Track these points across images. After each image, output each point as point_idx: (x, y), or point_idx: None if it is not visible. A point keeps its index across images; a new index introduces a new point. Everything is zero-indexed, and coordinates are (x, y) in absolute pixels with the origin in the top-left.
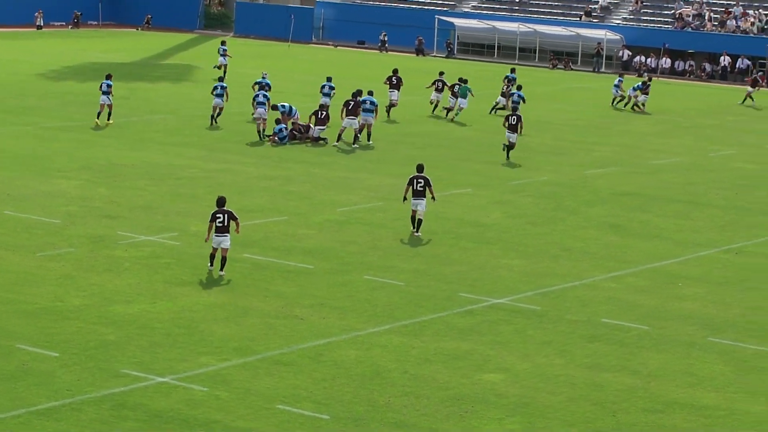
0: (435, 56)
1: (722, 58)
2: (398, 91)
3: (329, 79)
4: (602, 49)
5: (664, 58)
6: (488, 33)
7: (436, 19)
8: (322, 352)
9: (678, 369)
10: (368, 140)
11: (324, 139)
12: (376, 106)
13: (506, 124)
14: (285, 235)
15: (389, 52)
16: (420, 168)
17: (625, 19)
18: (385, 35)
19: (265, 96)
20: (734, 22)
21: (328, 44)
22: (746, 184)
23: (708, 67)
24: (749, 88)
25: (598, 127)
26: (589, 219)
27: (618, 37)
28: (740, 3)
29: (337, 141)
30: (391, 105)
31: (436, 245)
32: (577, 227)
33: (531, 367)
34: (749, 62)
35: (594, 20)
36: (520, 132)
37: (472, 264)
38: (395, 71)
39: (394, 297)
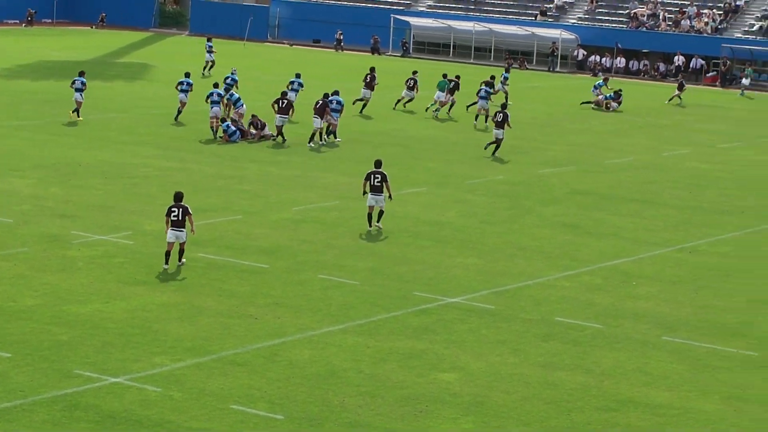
0: (391, 55)
1: (676, 57)
2: (371, 90)
3: (298, 76)
4: (557, 49)
5: (618, 58)
6: (444, 32)
7: (392, 18)
8: (276, 352)
9: (632, 367)
10: (335, 137)
11: (274, 137)
12: (343, 105)
13: (493, 121)
14: (240, 234)
15: (345, 51)
16: (378, 163)
17: (580, 18)
18: (340, 34)
19: (219, 95)
20: (688, 21)
21: (284, 43)
22: (699, 183)
23: (662, 66)
24: (676, 90)
25: (554, 126)
26: (545, 218)
27: (573, 37)
28: (694, 3)
29: (310, 142)
30: (364, 102)
31: (391, 244)
32: (533, 226)
33: (485, 366)
34: (703, 62)
35: (549, 20)
36: (507, 128)
37: (428, 263)
38: (372, 69)
39: (349, 296)
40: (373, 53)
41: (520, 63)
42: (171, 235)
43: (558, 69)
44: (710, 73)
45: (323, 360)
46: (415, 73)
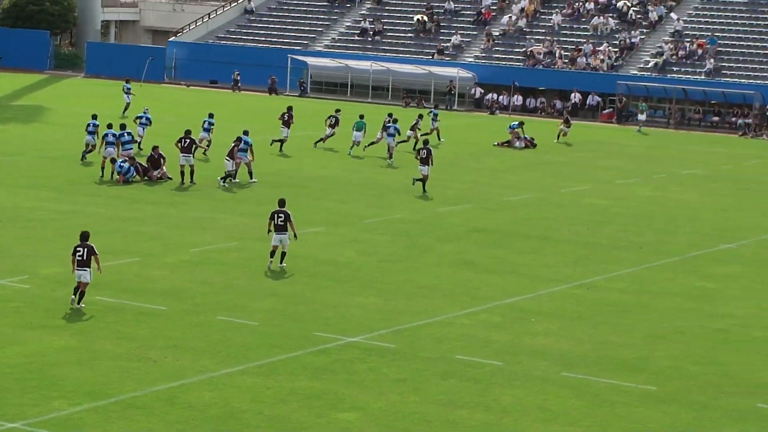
0: (288, 95)
1: (573, 94)
2: (288, 128)
3: (210, 116)
4: (454, 87)
5: (515, 96)
6: (341, 72)
7: (289, 59)
8: (175, 395)
9: (532, 404)
10: (251, 178)
11: (170, 177)
12: (250, 145)
13: (418, 158)
14: (137, 276)
15: (242, 92)
16: (281, 203)
17: (476, 57)
18: (238, 74)
19: (114, 135)
20: (584, 59)
21: (181, 84)
22: (598, 219)
23: (559, 103)
24: (562, 126)
25: (451, 165)
26: (444, 256)
27: (470, 75)
28: (590, 41)
29: (223, 181)
30: (282, 141)
31: (290, 284)
32: (432, 264)
33: (386, 405)
34: (599, 99)
35: (446, 58)
36: (431, 164)
37: (327, 303)
38: (289, 108)
39: (249, 337)
40: (270, 93)
41: (418, 101)
42: (77, 274)
43: (456, 107)
44: (606, 110)
45: (223, 402)
46: (337, 111)
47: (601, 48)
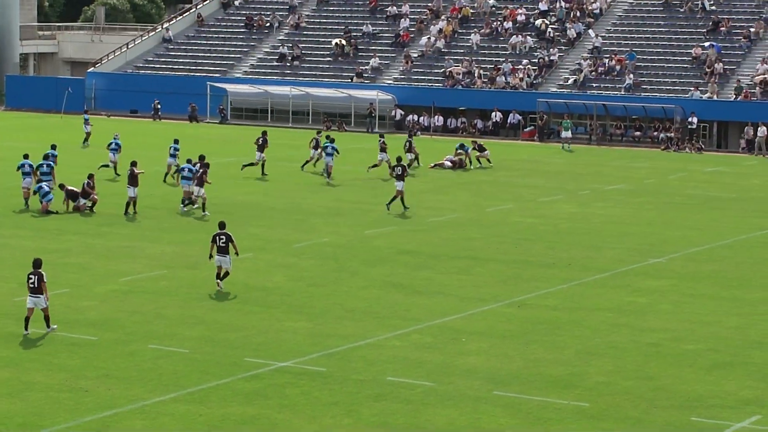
0: (209, 122)
1: (493, 113)
2: (262, 152)
3: (176, 141)
4: (375, 110)
5: (436, 116)
6: (261, 97)
7: (208, 86)
8: (108, 424)
9: (464, 424)
10: (184, 208)
11: (91, 209)
12: (194, 173)
13: (393, 174)
14: (67, 307)
15: (162, 120)
16: (221, 225)
17: (396, 79)
18: (157, 103)
19: (30, 166)
20: (503, 78)
21: (101, 114)
22: (525, 237)
23: (480, 123)
24: (478, 152)
25: (374, 188)
26: (372, 279)
27: (390, 97)
28: (509, 59)
29: (185, 205)
30: (252, 164)
31: (220, 311)
32: (360, 287)
33: (319, 429)
34: (520, 117)
35: (366, 81)
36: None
37: (257, 328)
38: (264, 133)
39: (180, 365)
40: (191, 121)
41: (339, 125)
42: (29, 301)
43: (376, 129)
44: (528, 128)
45: (155, 430)
46: (319, 133)
47: (520, 66)
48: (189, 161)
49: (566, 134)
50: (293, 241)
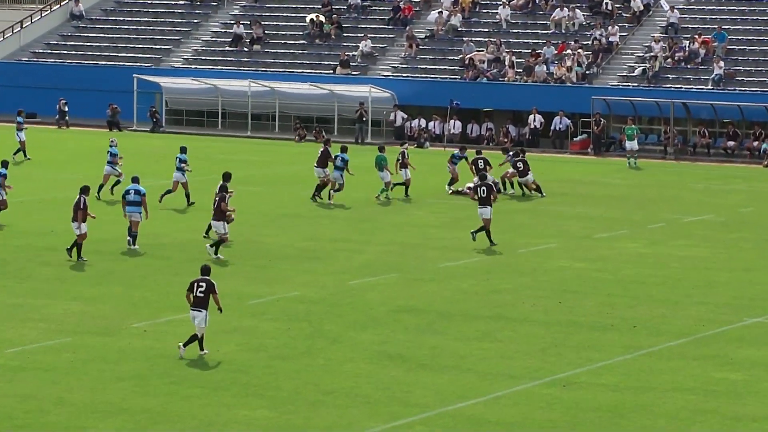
0: (135, 130)
1: (531, 117)
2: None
3: (183, 150)
4: (366, 112)
5: (451, 121)
6: (208, 96)
7: (135, 80)
8: None
9: None
10: (133, 244)
11: None
12: (144, 195)
13: (475, 197)
14: None
15: (71, 127)
16: (204, 270)
17: (396, 69)
18: (64, 103)
19: None
20: (545, 67)
21: None
22: (573, 289)
23: (512, 130)
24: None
25: (365, 221)
26: (359, 348)
27: (387, 95)
28: (552, 42)
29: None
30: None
31: (148, 394)
32: (344, 360)
33: None
34: (568, 121)
35: (354, 73)
36: (494, 201)
37: (198, 419)
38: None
39: None
40: (110, 128)
41: (317, 134)
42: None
43: (369, 140)
44: (579, 137)
45: None
46: (403, 144)
47: (567, 51)
48: (135, 180)
49: (631, 145)
50: (250, 296)
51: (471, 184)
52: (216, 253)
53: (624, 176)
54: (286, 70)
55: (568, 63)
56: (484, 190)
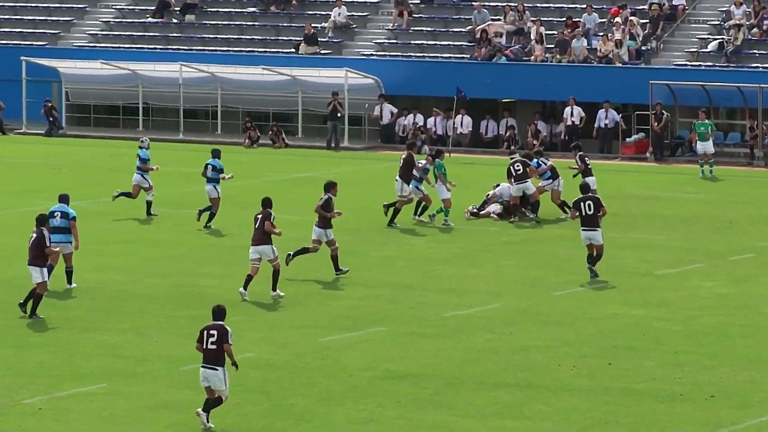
0: (25, 133)
1: (568, 110)
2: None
3: (215, 154)
4: (341, 105)
5: (459, 117)
6: (125, 85)
7: (24, 65)
8: None
9: None
10: (69, 283)
11: None
12: (73, 218)
13: (577, 215)
14: None
15: None
16: (217, 312)
17: (381, 46)
18: None
19: None
20: (584, 42)
21: None
22: (628, 345)
23: (542, 127)
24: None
25: (343, 254)
26: (334, 428)
27: (371, 82)
28: (593, 6)
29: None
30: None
31: None
32: None
33: None
34: (617, 115)
35: (324, 51)
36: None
37: None
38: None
39: None
40: None
41: (274, 135)
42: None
43: (346, 143)
44: (633, 137)
45: None
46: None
47: (617, 20)
48: (63, 199)
49: (705, 147)
50: (186, 359)
51: (495, 207)
52: (275, 289)
53: (696, 189)
54: (231, 48)
55: (618, 36)
56: (589, 205)
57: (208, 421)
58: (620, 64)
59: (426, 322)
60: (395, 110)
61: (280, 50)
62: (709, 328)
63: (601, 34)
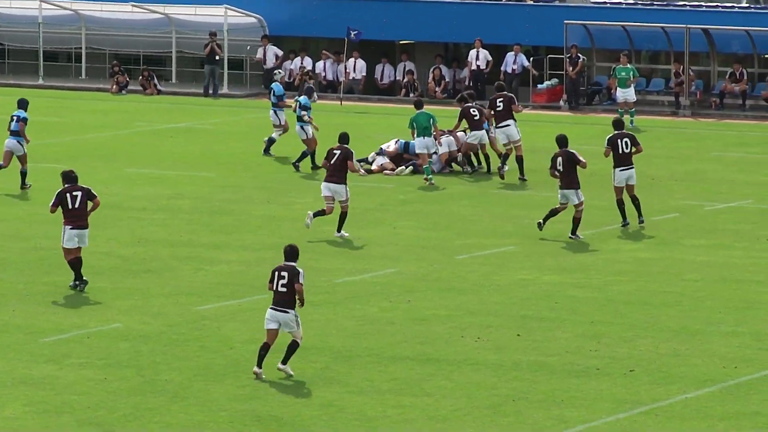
0: None
1: (472, 53)
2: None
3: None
4: (220, 47)
5: (352, 61)
6: None
7: None
8: None
9: None
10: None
11: None
12: (24, 119)
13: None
14: None
15: None
16: (289, 253)
17: None
18: None
19: None
20: None
21: None
22: (539, 315)
23: (445, 72)
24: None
25: (220, 213)
26: (213, 407)
27: (253, 20)
28: None
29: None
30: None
31: None
32: (189, 426)
33: None
34: (522, 59)
35: None
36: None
37: None
38: None
39: None
40: None
41: (145, 80)
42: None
43: (225, 90)
44: (546, 83)
45: None
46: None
47: None
48: (22, 104)
49: (625, 94)
50: (46, 330)
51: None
52: (340, 230)
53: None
54: None
55: None
56: (626, 142)
57: (289, 369)
58: (532, 2)
59: (315, 289)
60: (280, 53)
61: None
62: (628, 296)
63: None
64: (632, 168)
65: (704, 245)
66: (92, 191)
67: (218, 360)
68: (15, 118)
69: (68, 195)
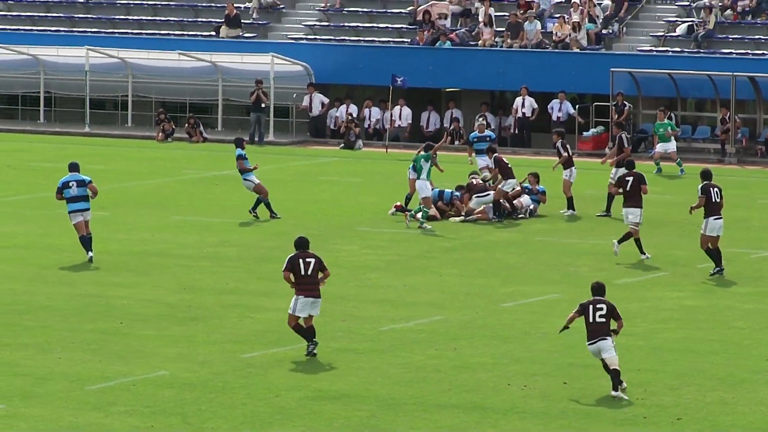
0: None
1: (519, 100)
2: None
3: None
4: (266, 95)
5: (398, 108)
6: (23, 71)
7: None
8: None
9: None
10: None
11: None
12: (90, 182)
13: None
14: None
15: None
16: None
17: (311, 29)
18: None
19: None
20: (537, 25)
21: None
22: (585, 363)
23: (491, 120)
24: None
25: (266, 261)
26: None
27: (300, 69)
28: None
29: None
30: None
31: None
32: None
33: None
34: (571, 108)
35: (248, 35)
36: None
37: None
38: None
39: None
40: None
41: (191, 128)
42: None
43: (271, 137)
44: (591, 130)
45: None
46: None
47: (573, 2)
48: (74, 167)
49: (665, 146)
50: (92, 378)
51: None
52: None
53: (662, 189)
54: (143, 31)
55: (575, 18)
56: (717, 192)
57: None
58: (578, 50)
59: (360, 337)
60: (326, 101)
61: (199, 33)
62: (674, 343)
63: (557, 16)
64: (721, 218)
65: (750, 293)
66: (323, 261)
67: (264, 408)
68: (74, 183)
69: (301, 261)
